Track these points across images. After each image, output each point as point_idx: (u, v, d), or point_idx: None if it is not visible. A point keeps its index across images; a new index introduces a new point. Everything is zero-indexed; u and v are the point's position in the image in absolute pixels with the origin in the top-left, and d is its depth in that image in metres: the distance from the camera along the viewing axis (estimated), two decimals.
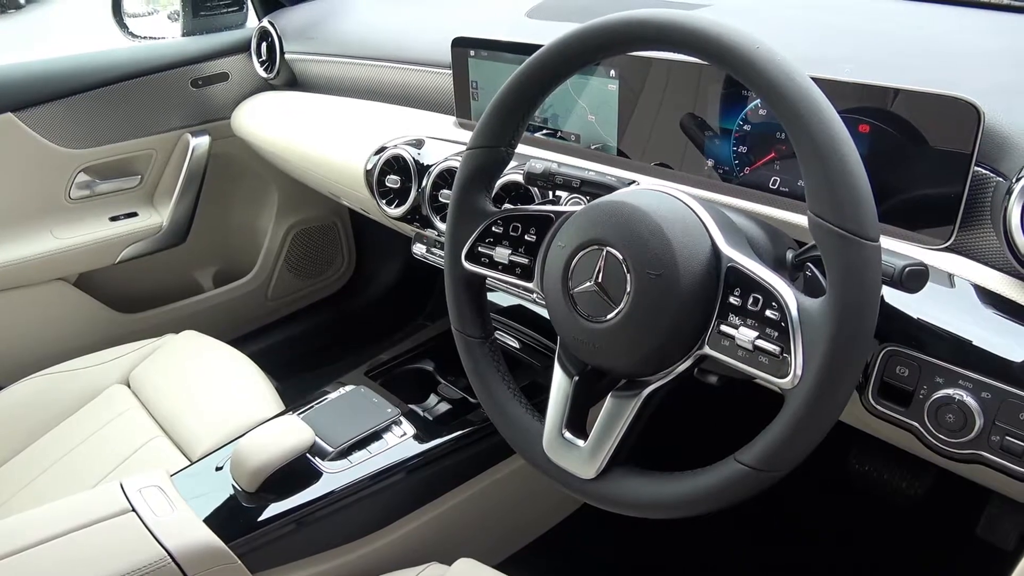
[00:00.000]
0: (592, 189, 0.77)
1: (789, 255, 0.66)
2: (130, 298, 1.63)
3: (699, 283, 0.58)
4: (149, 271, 1.64)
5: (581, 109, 0.94)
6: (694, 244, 0.59)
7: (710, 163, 0.82)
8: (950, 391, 0.60)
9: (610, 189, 0.77)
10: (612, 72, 0.89)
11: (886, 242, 0.68)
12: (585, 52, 0.64)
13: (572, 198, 0.86)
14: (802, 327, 0.53)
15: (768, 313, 0.55)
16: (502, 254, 0.72)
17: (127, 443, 1.14)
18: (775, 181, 0.77)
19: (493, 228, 0.73)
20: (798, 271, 0.65)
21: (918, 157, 0.66)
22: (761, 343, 0.55)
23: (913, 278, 0.55)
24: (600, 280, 0.62)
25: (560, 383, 0.68)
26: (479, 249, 0.74)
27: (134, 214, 1.57)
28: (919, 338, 0.63)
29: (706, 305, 0.59)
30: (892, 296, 0.64)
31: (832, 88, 0.69)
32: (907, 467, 1.25)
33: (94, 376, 1.28)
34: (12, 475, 1.14)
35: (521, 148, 1.01)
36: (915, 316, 0.63)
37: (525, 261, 0.71)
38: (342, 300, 1.95)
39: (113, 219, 1.55)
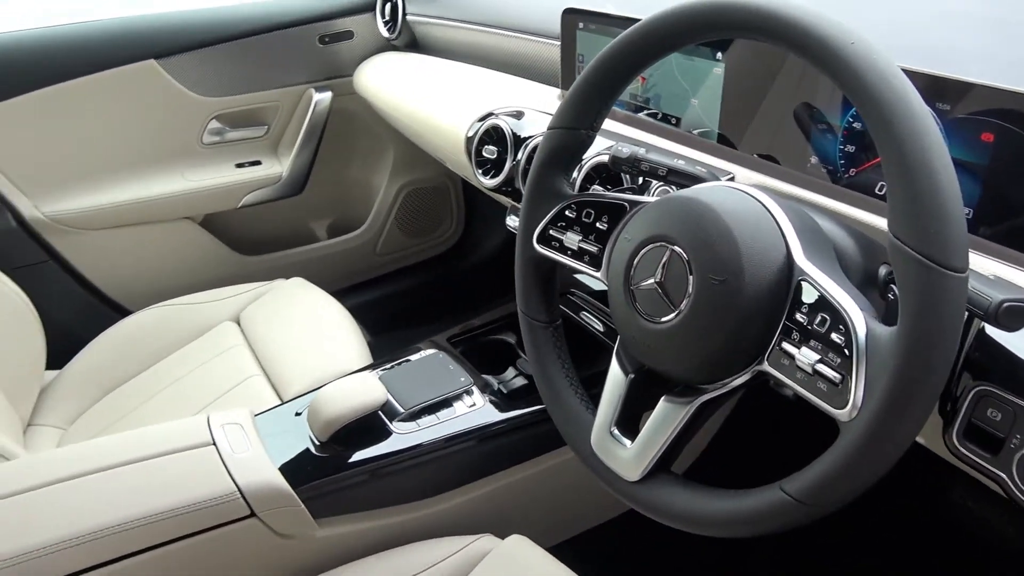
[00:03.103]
0: (679, 179, 0.73)
1: (883, 271, 0.60)
2: (248, 241, 1.73)
3: (765, 294, 0.54)
4: (267, 217, 1.74)
5: (684, 91, 0.90)
6: (766, 252, 0.55)
7: (814, 160, 0.76)
8: None
9: (698, 180, 0.73)
10: (718, 55, 0.83)
11: (997, 268, 0.61)
12: (668, 37, 0.60)
13: (659, 187, 0.82)
14: (867, 356, 0.48)
15: (834, 336, 0.51)
16: (572, 239, 0.70)
17: (229, 378, 1.22)
18: (882, 187, 0.70)
19: (566, 212, 0.71)
20: (889, 291, 0.59)
21: None
22: (821, 368, 0.51)
23: (1013, 316, 0.49)
24: (662, 279, 0.59)
25: (615, 379, 0.66)
26: (551, 232, 0.72)
27: (258, 162, 1.66)
28: (1021, 381, 0.56)
29: (770, 319, 0.55)
30: (999, 330, 0.57)
31: (952, 89, 0.62)
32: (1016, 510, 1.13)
33: (209, 311, 1.38)
34: (126, 395, 1.25)
35: (618, 127, 0.99)
36: (1022, 356, 0.57)
37: (594, 249, 0.69)
38: (447, 261, 1.99)
39: (239, 166, 1.64)
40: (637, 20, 0.83)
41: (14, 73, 1.41)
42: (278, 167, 1.66)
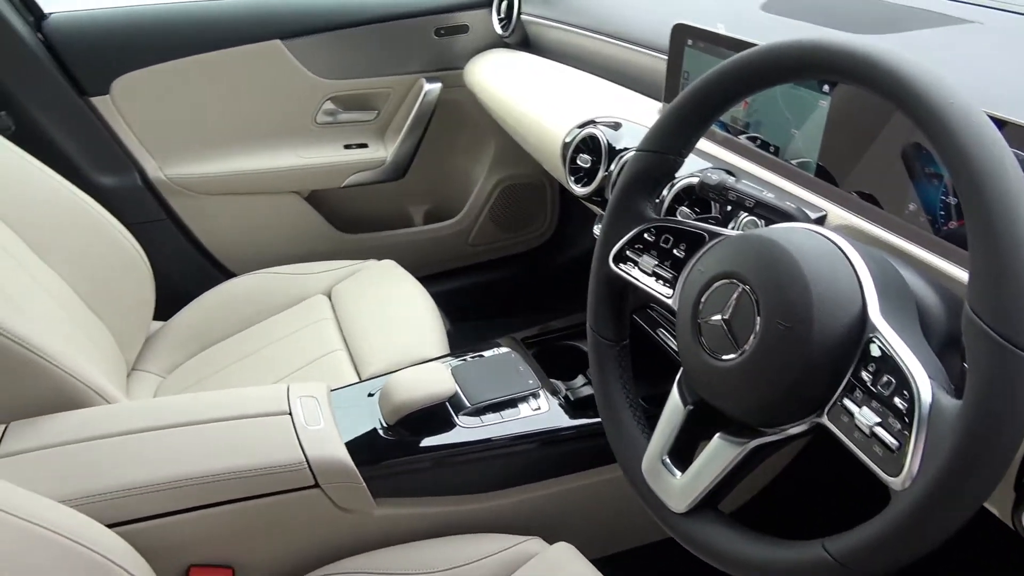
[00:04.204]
0: (766, 212, 0.72)
1: None
2: (347, 219, 1.80)
3: (832, 347, 0.53)
4: (367, 198, 1.80)
5: (786, 121, 0.87)
6: (839, 303, 0.54)
7: (913, 206, 0.73)
8: None
9: (787, 216, 0.72)
10: (825, 87, 0.81)
11: None
12: (764, 74, 0.60)
13: (746, 218, 0.81)
14: (928, 427, 0.47)
15: (897, 401, 0.49)
16: (647, 263, 0.70)
17: (313, 349, 1.28)
18: None
19: (645, 235, 0.71)
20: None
21: None
22: (879, 431, 0.49)
23: None
24: (729, 316, 0.58)
25: (673, 408, 0.66)
26: (627, 253, 0.72)
27: (364, 145, 1.72)
28: None
29: (835, 372, 0.53)
30: None
31: None
32: None
33: (304, 283, 1.45)
34: (220, 353, 1.33)
35: (715, 149, 0.97)
36: None
37: (668, 276, 0.69)
38: (535, 259, 2.01)
39: (347, 147, 1.71)
40: (746, 43, 0.82)
41: (152, 43, 1.52)
42: (383, 151, 1.72)
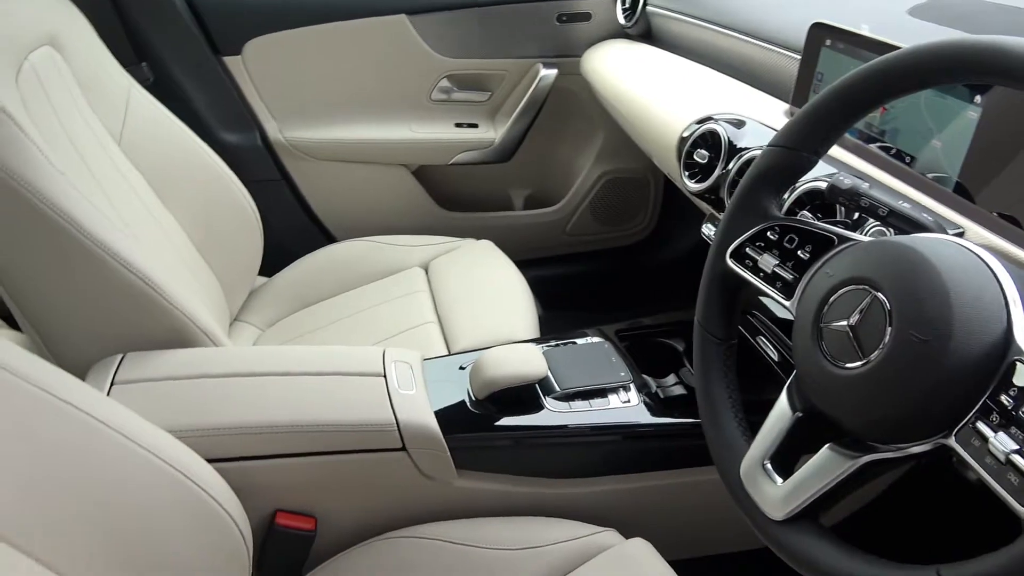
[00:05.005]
0: (900, 223, 0.68)
1: None
2: (449, 197, 1.82)
3: (970, 366, 0.50)
4: (471, 178, 1.82)
5: (927, 130, 0.83)
6: (982, 320, 0.50)
7: None
8: None
9: (922, 228, 0.68)
10: (977, 97, 0.76)
11: None
12: (919, 74, 0.56)
13: (875, 226, 0.77)
14: None
15: None
16: (767, 262, 0.68)
17: (407, 319, 1.30)
18: None
19: (768, 233, 0.69)
20: None
21: None
22: (1017, 459, 0.46)
23: None
24: (855, 323, 0.56)
25: (780, 413, 0.63)
26: (746, 250, 0.70)
27: (475, 125, 1.73)
28: None
29: (969, 393, 0.50)
30: None
31: None
32: None
33: (403, 254, 1.48)
34: (317, 313, 1.37)
35: (843, 155, 0.93)
36: None
37: (789, 277, 0.66)
38: (632, 255, 1.98)
39: (457, 125, 1.73)
40: (891, 46, 0.78)
41: (286, 9, 1.57)
42: (492, 133, 1.73)
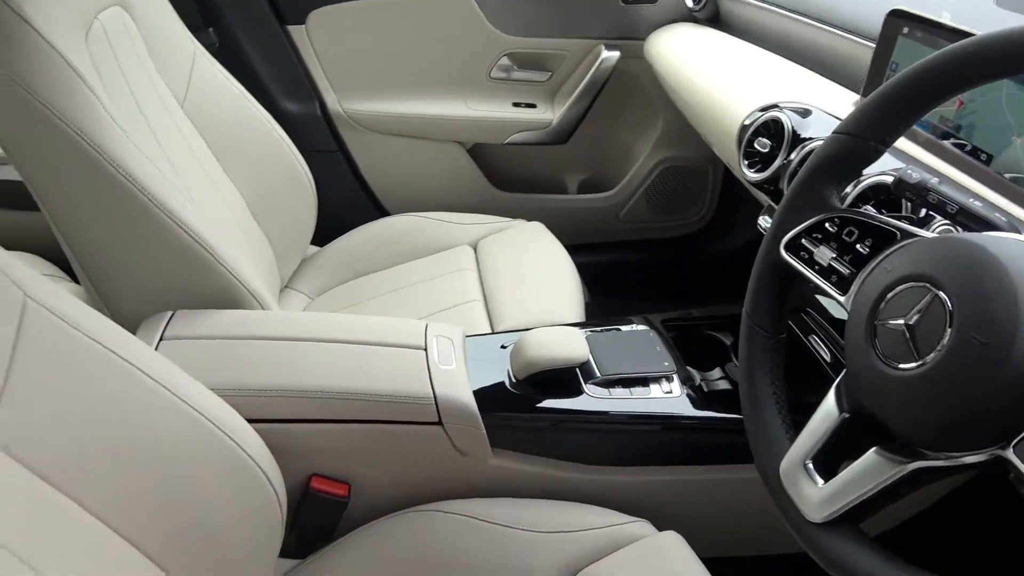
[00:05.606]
0: (970, 221, 0.65)
1: None
2: (502, 176, 1.81)
3: None
4: (526, 159, 1.80)
5: (1007, 126, 0.78)
6: None
7: None
8: None
9: (995, 228, 0.64)
10: None
11: None
12: (1005, 60, 0.52)
13: (942, 224, 0.73)
14: None
15: None
16: (824, 255, 0.65)
17: (453, 296, 1.30)
18: None
19: (826, 224, 0.66)
20: None
21: None
22: None
23: None
24: (913, 322, 0.53)
25: (827, 413, 0.61)
26: (802, 241, 0.67)
27: (533, 105, 1.72)
28: None
29: None
30: None
31: None
32: None
33: (454, 231, 1.48)
34: (366, 285, 1.39)
35: (914, 150, 0.89)
36: None
37: (846, 272, 0.63)
38: (685, 246, 1.94)
39: (515, 104, 1.71)
40: (973, 35, 0.74)
41: None
42: (550, 114, 1.71)
